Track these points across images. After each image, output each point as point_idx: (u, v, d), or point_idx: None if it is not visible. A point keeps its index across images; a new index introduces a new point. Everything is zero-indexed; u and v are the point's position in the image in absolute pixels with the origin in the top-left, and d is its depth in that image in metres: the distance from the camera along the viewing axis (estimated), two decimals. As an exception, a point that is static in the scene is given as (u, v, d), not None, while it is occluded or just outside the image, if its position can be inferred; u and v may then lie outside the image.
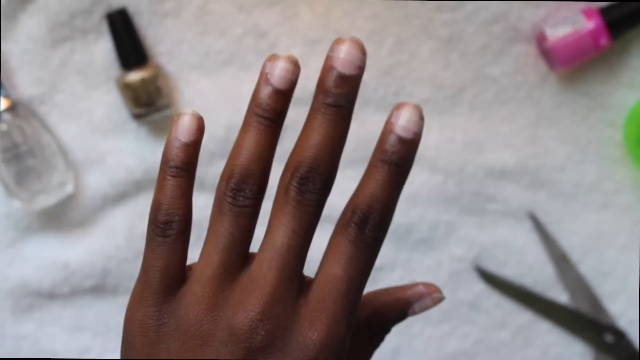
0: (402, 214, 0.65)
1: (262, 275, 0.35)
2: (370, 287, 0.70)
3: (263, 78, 0.36)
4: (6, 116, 0.62)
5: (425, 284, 0.40)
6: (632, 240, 0.65)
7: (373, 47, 0.63)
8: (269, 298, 0.35)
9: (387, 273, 0.66)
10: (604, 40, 0.61)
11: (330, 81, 0.35)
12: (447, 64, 0.64)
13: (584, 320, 0.64)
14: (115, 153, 0.65)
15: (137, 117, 0.63)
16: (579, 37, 0.61)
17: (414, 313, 0.40)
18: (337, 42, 0.35)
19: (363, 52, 0.35)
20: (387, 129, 0.35)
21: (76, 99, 0.64)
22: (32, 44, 0.63)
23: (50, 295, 0.66)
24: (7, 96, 0.63)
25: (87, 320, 0.67)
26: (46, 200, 0.64)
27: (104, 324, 0.67)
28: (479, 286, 0.66)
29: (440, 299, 0.40)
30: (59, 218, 0.66)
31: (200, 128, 0.36)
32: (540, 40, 0.63)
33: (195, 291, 0.35)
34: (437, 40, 0.63)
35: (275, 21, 0.63)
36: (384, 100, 0.64)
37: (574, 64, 0.62)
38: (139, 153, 0.65)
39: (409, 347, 0.66)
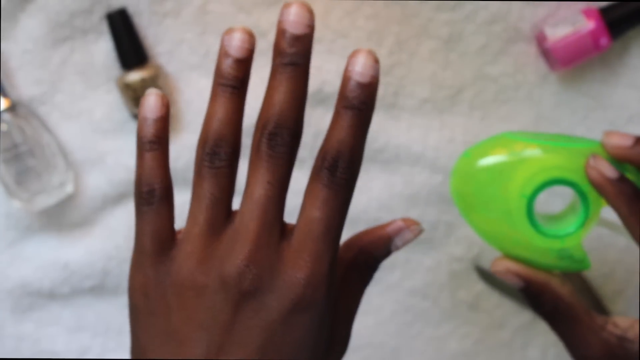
0: (402, 214, 0.65)
1: (245, 226, 0.38)
2: (371, 287, 0.70)
3: (223, 51, 0.39)
4: (6, 116, 0.62)
5: (404, 219, 0.43)
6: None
7: (373, 47, 0.63)
8: (252, 245, 0.38)
9: (387, 273, 0.66)
10: (604, 40, 0.61)
11: (284, 42, 0.38)
12: (447, 64, 0.64)
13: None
14: (115, 153, 0.65)
15: (137, 117, 0.63)
16: (579, 37, 0.61)
17: (397, 248, 0.43)
18: (285, 6, 0.38)
19: (310, 12, 0.38)
20: (346, 77, 0.38)
21: (76, 99, 0.64)
22: (32, 44, 0.63)
23: (50, 295, 0.66)
24: (7, 96, 0.63)
25: (87, 320, 0.67)
26: (46, 200, 0.64)
27: (104, 324, 0.67)
28: (479, 286, 0.66)
29: (419, 231, 0.43)
30: (59, 218, 0.66)
31: (165, 104, 0.40)
32: (540, 40, 0.63)
33: (186, 249, 0.39)
34: (437, 40, 0.63)
35: (275, 21, 0.63)
36: (383, 100, 0.64)
37: (574, 64, 0.62)
38: (139, 153, 0.65)
39: (409, 347, 0.66)
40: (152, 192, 0.39)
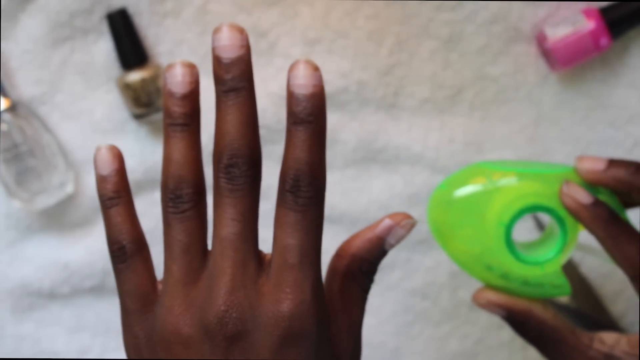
0: (402, 214, 0.65)
1: (218, 268, 0.36)
2: (372, 288, 0.69)
3: (166, 90, 0.37)
4: (6, 116, 0.62)
5: (392, 215, 0.40)
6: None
7: (373, 47, 0.63)
8: (228, 287, 0.36)
9: (387, 273, 0.66)
10: (604, 40, 0.61)
11: (221, 70, 0.36)
12: (447, 64, 0.64)
13: (585, 321, 0.64)
14: (115, 153, 0.65)
15: (137, 117, 0.63)
16: (579, 37, 0.61)
17: (391, 246, 0.40)
18: (215, 31, 0.36)
19: (241, 31, 0.36)
20: (289, 92, 0.36)
21: (76, 99, 0.64)
22: (32, 44, 0.63)
23: (50, 295, 0.66)
24: (7, 96, 0.63)
25: (87, 320, 0.67)
26: (46, 200, 0.64)
27: (104, 324, 0.67)
28: (479, 286, 0.66)
29: (412, 224, 0.40)
30: (59, 218, 0.66)
31: (116, 155, 0.39)
32: (540, 40, 0.63)
33: (165, 303, 0.38)
34: (437, 40, 0.63)
35: (275, 21, 0.63)
36: (383, 100, 0.64)
37: (574, 64, 0.62)
38: (139, 153, 0.65)
39: (409, 348, 0.66)
40: (122, 250, 0.38)
